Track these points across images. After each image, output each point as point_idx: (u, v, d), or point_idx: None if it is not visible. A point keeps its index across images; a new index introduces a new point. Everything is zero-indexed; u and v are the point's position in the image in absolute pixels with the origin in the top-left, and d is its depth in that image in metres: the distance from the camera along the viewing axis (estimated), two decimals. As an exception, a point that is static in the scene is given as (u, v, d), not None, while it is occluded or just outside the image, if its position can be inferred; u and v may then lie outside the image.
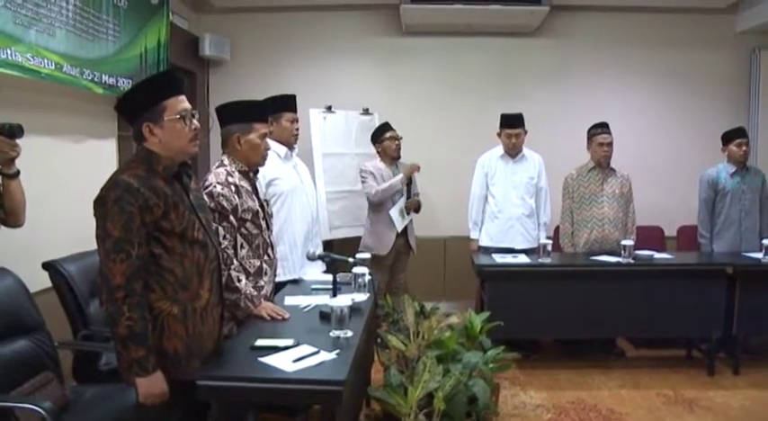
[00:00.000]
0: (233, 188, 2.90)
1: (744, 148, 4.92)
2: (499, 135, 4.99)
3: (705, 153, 5.62)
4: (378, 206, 5.02)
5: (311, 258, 3.27)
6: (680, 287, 4.46)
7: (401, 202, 5.03)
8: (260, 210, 3.03)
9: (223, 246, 2.78)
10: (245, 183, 2.99)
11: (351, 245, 5.11)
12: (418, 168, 5.08)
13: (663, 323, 4.47)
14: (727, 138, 5.00)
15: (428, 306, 4.00)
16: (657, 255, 4.73)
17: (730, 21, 6.25)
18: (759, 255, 4.62)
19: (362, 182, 5.04)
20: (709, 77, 6.30)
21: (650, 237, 5.50)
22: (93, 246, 2.17)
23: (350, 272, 3.25)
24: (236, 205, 2.89)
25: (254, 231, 2.98)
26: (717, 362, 4.57)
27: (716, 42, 6.26)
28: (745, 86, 6.31)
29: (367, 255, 3.56)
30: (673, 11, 6.14)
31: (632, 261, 4.52)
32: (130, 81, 4.14)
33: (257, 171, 3.15)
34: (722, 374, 4.54)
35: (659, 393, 4.21)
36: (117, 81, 4.08)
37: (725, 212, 4.98)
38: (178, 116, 2.22)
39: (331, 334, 2.53)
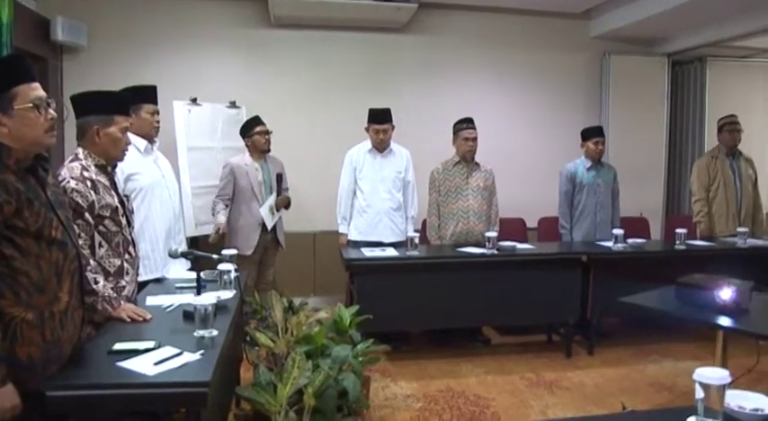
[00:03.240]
0: (89, 183, 2.72)
1: (600, 147, 5.28)
2: (367, 130, 5.03)
3: (563, 148, 5.98)
4: (239, 206, 4.91)
5: (174, 256, 3.16)
6: (540, 275, 4.70)
7: (270, 200, 4.94)
8: (119, 206, 2.86)
9: (78, 246, 2.61)
10: (102, 178, 2.81)
11: (217, 241, 4.96)
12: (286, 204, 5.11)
13: (525, 310, 4.71)
14: (586, 135, 5.34)
15: (298, 301, 3.97)
16: (520, 246, 4.95)
17: (585, 26, 6.69)
18: (610, 244, 4.95)
19: (221, 180, 4.95)
20: (568, 78, 6.71)
21: (513, 228, 5.76)
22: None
23: (215, 269, 3.17)
24: (93, 201, 2.71)
25: (114, 229, 2.81)
26: (574, 345, 4.87)
27: (572, 45, 6.68)
28: (597, 87, 6.76)
29: (233, 252, 3.48)
30: (534, 14, 6.46)
31: (496, 252, 4.70)
32: (-31, 66, 3.79)
33: (116, 165, 2.99)
34: (579, 356, 4.84)
35: (522, 377, 4.42)
36: (-46, 66, 3.71)
37: (582, 204, 5.31)
38: (31, 104, 2.04)
39: (195, 334, 2.44)
